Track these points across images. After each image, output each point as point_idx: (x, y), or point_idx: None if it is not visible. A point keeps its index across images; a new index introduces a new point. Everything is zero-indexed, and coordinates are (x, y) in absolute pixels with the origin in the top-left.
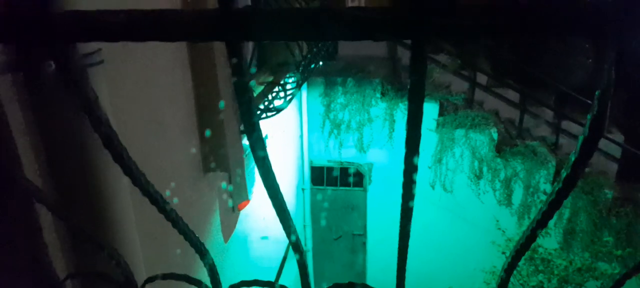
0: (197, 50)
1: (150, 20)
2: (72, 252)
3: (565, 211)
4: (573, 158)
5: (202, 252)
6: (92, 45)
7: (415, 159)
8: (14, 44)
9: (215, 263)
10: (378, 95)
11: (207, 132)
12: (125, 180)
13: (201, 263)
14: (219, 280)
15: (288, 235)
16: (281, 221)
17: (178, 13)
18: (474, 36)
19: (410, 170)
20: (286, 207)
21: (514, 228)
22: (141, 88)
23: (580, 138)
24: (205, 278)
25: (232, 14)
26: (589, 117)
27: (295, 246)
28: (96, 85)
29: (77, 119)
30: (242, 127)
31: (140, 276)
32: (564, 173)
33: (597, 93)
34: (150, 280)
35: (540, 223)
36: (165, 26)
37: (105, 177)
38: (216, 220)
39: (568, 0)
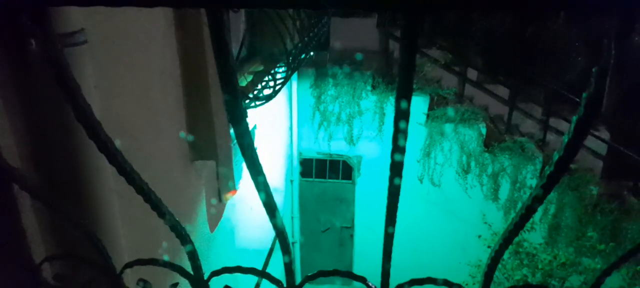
0: (186, 35)
1: None
2: (51, 236)
3: (551, 207)
4: (566, 140)
5: (183, 237)
6: (75, 24)
7: (401, 143)
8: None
9: (201, 253)
10: (369, 88)
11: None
12: (108, 164)
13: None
14: (200, 266)
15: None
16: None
17: None
18: (466, 9)
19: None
20: (270, 192)
21: (500, 223)
22: (128, 72)
23: (574, 118)
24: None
25: None
26: (584, 95)
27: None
28: (80, 66)
29: (59, 98)
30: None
31: (122, 261)
32: (556, 156)
33: (594, 69)
34: (129, 265)
35: (529, 209)
36: None
37: (89, 160)
38: (202, 209)
39: None
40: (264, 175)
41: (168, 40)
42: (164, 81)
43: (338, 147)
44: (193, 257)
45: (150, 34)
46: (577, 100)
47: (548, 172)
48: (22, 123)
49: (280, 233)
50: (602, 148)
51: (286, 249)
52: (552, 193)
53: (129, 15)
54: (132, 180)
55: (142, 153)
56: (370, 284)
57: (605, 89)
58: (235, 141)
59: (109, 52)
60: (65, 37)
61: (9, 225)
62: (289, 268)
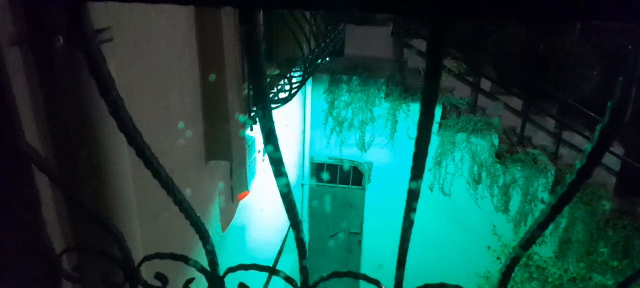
0: (206, 37)
1: None
2: (70, 229)
3: (562, 220)
4: (579, 165)
5: (205, 237)
6: (100, 22)
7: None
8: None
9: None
10: (382, 95)
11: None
12: (128, 160)
13: (198, 248)
14: (217, 263)
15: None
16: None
17: None
18: (495, 16)
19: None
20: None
21: (510, 235)
22: (149, 71)
23: (588, 147)
24: (203, 262)
25: None
26: (609, 104)
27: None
28: (110, 62)
29: (83, 95)
30: (245, 118)
31: (138, 256)
32: (568, 179)
33: (620, 79)
34: (148, 258)
35: (542, 225)
36: None
37: (109, 155)
38: (215, 209)
39: None
40: (286, 176)
41: (188, 42)
42: (182, 82)
43: (350, 153)
44: (212, 254)
45: (171, 35)
46: (591, 114)
47: (569, 180)
48: (45, 118)
49: (295, 220)
50: (615, 164)
51: (302, 247)
52: None
53: (151, 16)
54: (158, 175)
55: (158, 152)
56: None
57: (631, 99)
58: (249, 143)
59: (131, 51)
60: (99, 32)
61: (30, 216)
62: (303, 268)
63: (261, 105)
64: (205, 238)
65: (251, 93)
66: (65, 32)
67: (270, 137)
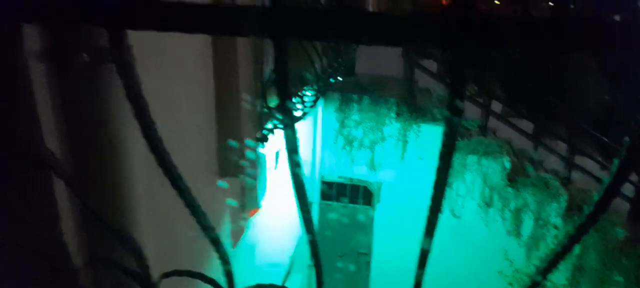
0: (221, 53)
1: (205, 13)
2: (86, 241)
3: (575, 247)
4: (596, 198)
5: (225, 258)
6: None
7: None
8: (80, 25)
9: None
10: (393, 115)
11: (231, 142)
12: (143, 174)
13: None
14: (234, 282)
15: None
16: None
17: (232, 8)
18: (513, 46)
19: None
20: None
21: (522, 260)
22: (165, 86)
23: (606, 180)
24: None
25: (283, 11)
26: (626, 139)
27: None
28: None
29: (102, 109)
30: (258, 135)
31: (151, 271)
32: (595, 197)
33: (627, 138)
34: (167, 275)
35: (559, 254)
36: (220, 20)
37: (125, 169)
38: (226, 225)
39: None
40: (305, 192)
41: (203, 59)
42: (196, 98)
43: (359, 172)
44: (230, 275)
45: (186, 52)
46: (604, 139)
47: (587, 212)
48: (65, 130)
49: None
50: (629, 190)
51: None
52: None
53: (166, 35)
54: (184, 195)
55: None
56: None
57: None
58: (260, 160)
59: (148, 68)
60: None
61: (49, 227)
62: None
63: (288, 124)
64: (225, 259)
65: (264, 110)
66: (88, 49)
67: (293, 154)
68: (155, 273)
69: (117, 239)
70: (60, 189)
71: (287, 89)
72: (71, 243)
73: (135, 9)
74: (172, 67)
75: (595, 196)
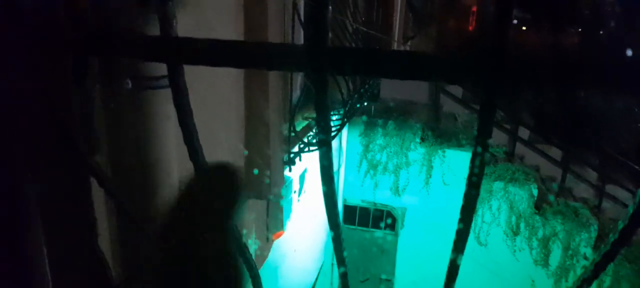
0: (252, 78)
1: (248, 51)
2: (121, 259)
3: (606, 279)
4: (621, 226)
5: (252, 265)
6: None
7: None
8: (140, 60)
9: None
10: (417, 140)
11: (255, 171)
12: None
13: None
14: None
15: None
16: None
17: (276, 46)
18: (545, 86)
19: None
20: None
21: None
22: (200, 110)
23: (630, 208)
24: None
25: (323, 50)
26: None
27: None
28: (168, 104)
29: (145, 130)
30: (285, 158)
31: None
32: (620, 225)
33: None
34: None
35: (586, 281)
36: (264, 57)
37: (161, 188)
38: (251, 247)
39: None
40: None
41: (236, 82)
42: (228, 120)
43: (383, 197)
44: (257, 279)
45: (220, 76)
46: (637, 168)
47: (612, 240)
48: (110, 145)
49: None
50: None
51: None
52: None
53: None
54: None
55: None
56: None
57: None
58: (286, 183)
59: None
60: (155, 80)
61: (90, 244)
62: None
63: (324, 145)
64: (251, 265)
65: (292, 134)
66: (133, 75)
67: (327, 172)
68: None
69: (154, 250)
70: (99, 207)
71: (328, 120)
72: (109, 258)
73: (192, 47)
74: (208, 91)
75: (621, 224)
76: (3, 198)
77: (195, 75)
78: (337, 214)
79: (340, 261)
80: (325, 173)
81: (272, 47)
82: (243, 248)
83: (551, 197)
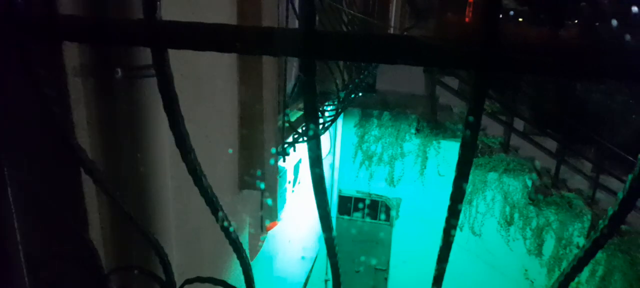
0: (246, 70)
1: (237, 34)
2: (112, 248)
3: (599, 268)
4: (611, 212)
5: (250, 281)
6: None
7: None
8: (121, 45)
9: (240, 280)
10: (413, 131)
11: (252, 154)
12: (170, 185)
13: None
14: None
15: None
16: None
17: (266, 30)
18: (540, 73)
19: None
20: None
21: (543, 280)
22: (192, 104)
23: (620, 194)
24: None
25: (314, 34)
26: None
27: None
28: (155, 94)
29: (134, 121)
30: (279, 148)
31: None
32: (610, 211)
33: None
34: (189, 281)
35: (575, 268)
36: (252, 40)
37: (154, 178)
38: (245, 238)
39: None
40: (327, 199)
41: (229, 74)
42: (222, 112)
43: (378, 188)
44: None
45: (214, 68)
46: (631, 159)
47: (602, 226)
48: (99, 139)
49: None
50: None
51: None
52: (600, 254)
53: (198, 53)
54: (211, 203)
55: None
56: None
57: None
58: (280, 173)
59: (179, 83)
60: (145, 69)
61: (80, 234)
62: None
63: (313, 137)
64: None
65: (286, 125)
66: (123, 65)
67: (317, 163)
68: (178, 279)
69: (145, 242)
70: (90, 197)
71: (314, 105)
72: (100, 249)
73: (176, 30)
74: (202, 83)
75: (610, 210)
76: None
77: (190, 68)
78: (324, 193)
79: (330, 249)
80: (314, 162)
81: (259, 30)
82: (235, 239)
83: (545, 187)
